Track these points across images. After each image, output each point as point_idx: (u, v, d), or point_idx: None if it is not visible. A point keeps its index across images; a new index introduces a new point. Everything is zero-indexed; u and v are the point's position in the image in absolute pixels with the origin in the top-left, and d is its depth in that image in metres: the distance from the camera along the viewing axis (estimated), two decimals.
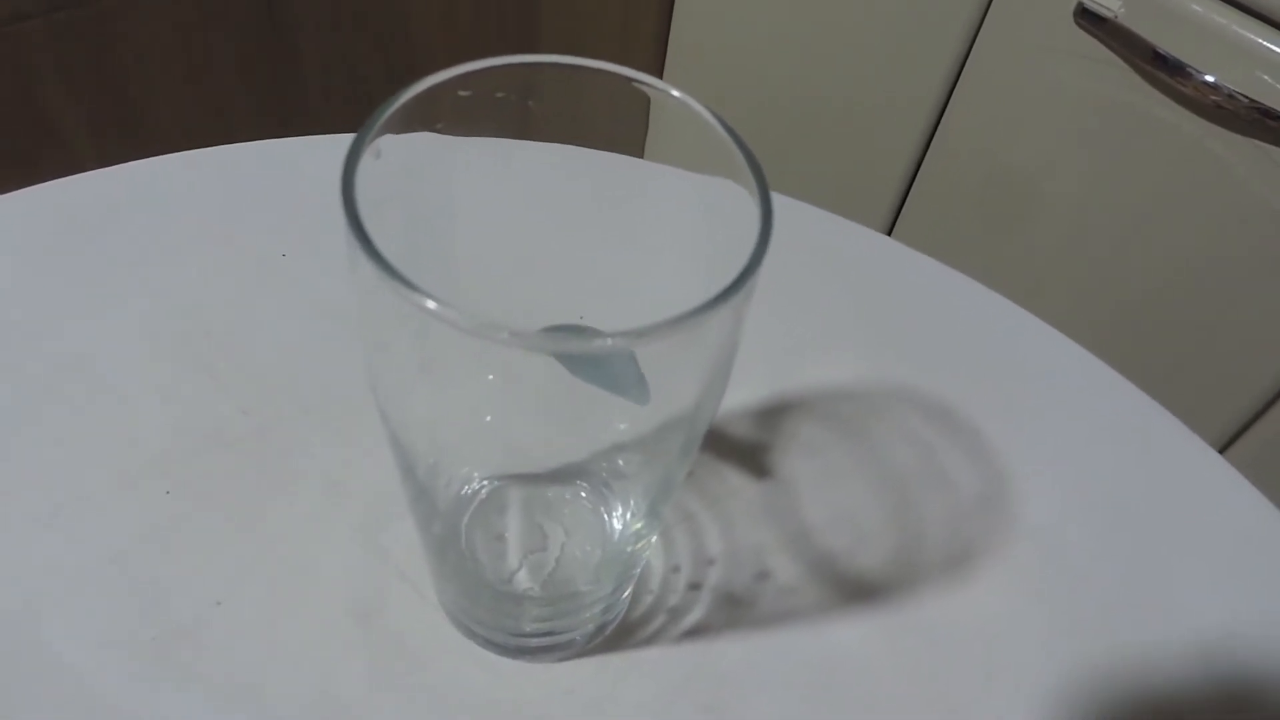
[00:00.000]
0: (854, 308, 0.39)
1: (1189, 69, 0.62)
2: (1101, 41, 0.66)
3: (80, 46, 0.66)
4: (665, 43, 0.97)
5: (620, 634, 0.29)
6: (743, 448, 0.34)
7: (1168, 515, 0.34)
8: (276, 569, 0.29)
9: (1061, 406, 0.37)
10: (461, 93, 0.21)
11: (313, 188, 0.38)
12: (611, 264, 0.25)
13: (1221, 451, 0.52)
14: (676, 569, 0.30)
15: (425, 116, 0.20)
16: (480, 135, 0.22)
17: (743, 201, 0.20)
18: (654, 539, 0.29)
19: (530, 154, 0.23)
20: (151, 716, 0.26)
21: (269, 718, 0.26)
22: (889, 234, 0.82)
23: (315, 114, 0.81)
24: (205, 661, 0.27)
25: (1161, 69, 0.63)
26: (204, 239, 0.37)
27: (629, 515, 0.27)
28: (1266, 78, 0.60)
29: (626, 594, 0.29)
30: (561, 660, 0.28)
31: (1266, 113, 0.60)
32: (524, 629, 0.27)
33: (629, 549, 0.27)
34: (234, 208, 0.38)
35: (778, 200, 0.20)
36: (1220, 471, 0.35)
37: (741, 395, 0.35)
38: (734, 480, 0.33)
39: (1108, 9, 0.64)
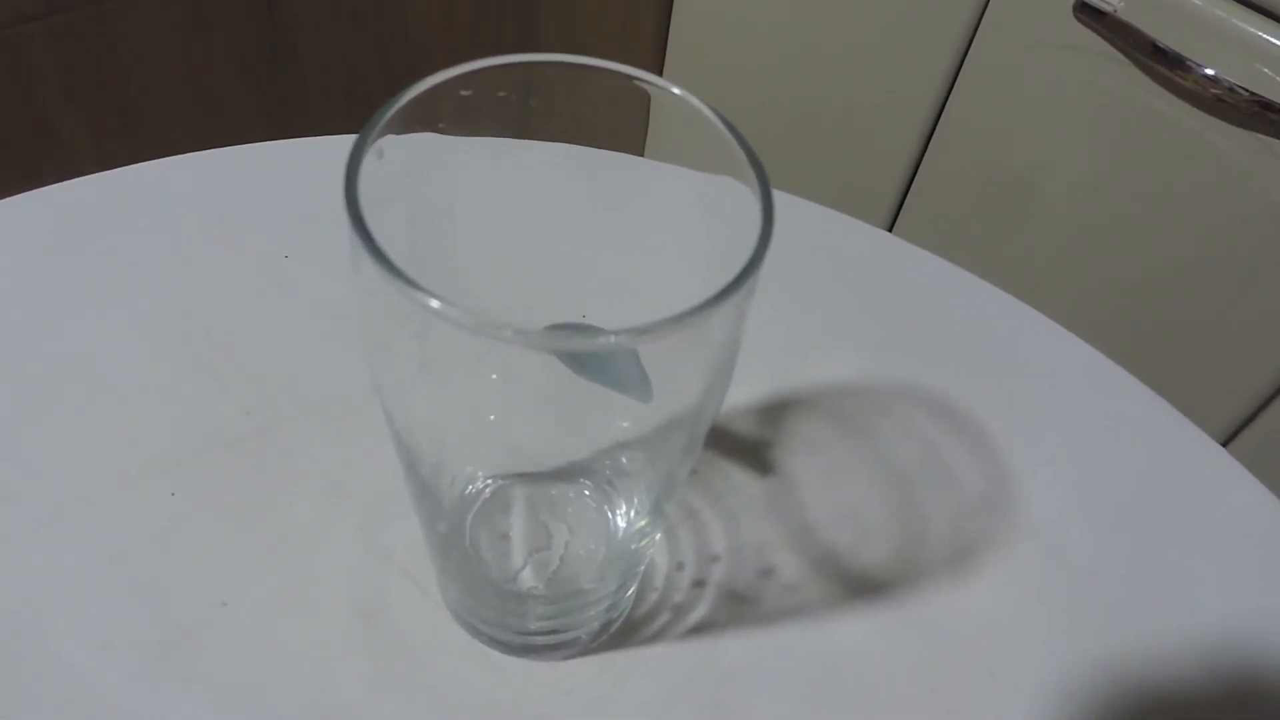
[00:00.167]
0: (856, 304, 0.39)
1: (1189, 62, 0.62)
2: (1101, 35, 0.66)
3: (80, 48, 0.66)
4: (665, 43, 0.97)
5: (625, 632, 0.29)
6: (746, 445, 0.34)
7: (1173, 511, 0.34)
8: (279, 569, 0.29)
9: (1065, 402, 0.37)
10: (463, 92, 0.21)
11: (315, 189, 0.38)
12: (613, 262, 0.25)
13: (1225, 445, 0.52)
14: (680, 566, 0.30)
15: (427, 116, 0.20)
16: (481, 135, 0.22)
17: (744, 199, 0.20)
18: (658, 537, 0.29)
19: (531, 153, 0.23)
20: (154, 717, 0.26)
21: (272, 718, 0.26)
22: (890, 231, 0.81)
23: (315, 114, 0.81)
24: (207, 662, 0.27)
25: (1161, 62, 0.63)
26: (206, 240, 0.37)
27: (633, 513, 0.27)
28: (1267, 70, 0.60)
29: (631, 592, 0.29)
30: (566, 658, 0.28)
31: (1267, 105, 0.60)
32: (529, 627, 0.27)
33: (633, 547, 0.27)
34: (236, 209, 0.38)
35: (779, 197, 0.20)
36: (1225, 466, 0.35)
37: (744, 392, 0.35)
38: (737, 477, 0.33)
39: (1107, 3, 0.64)
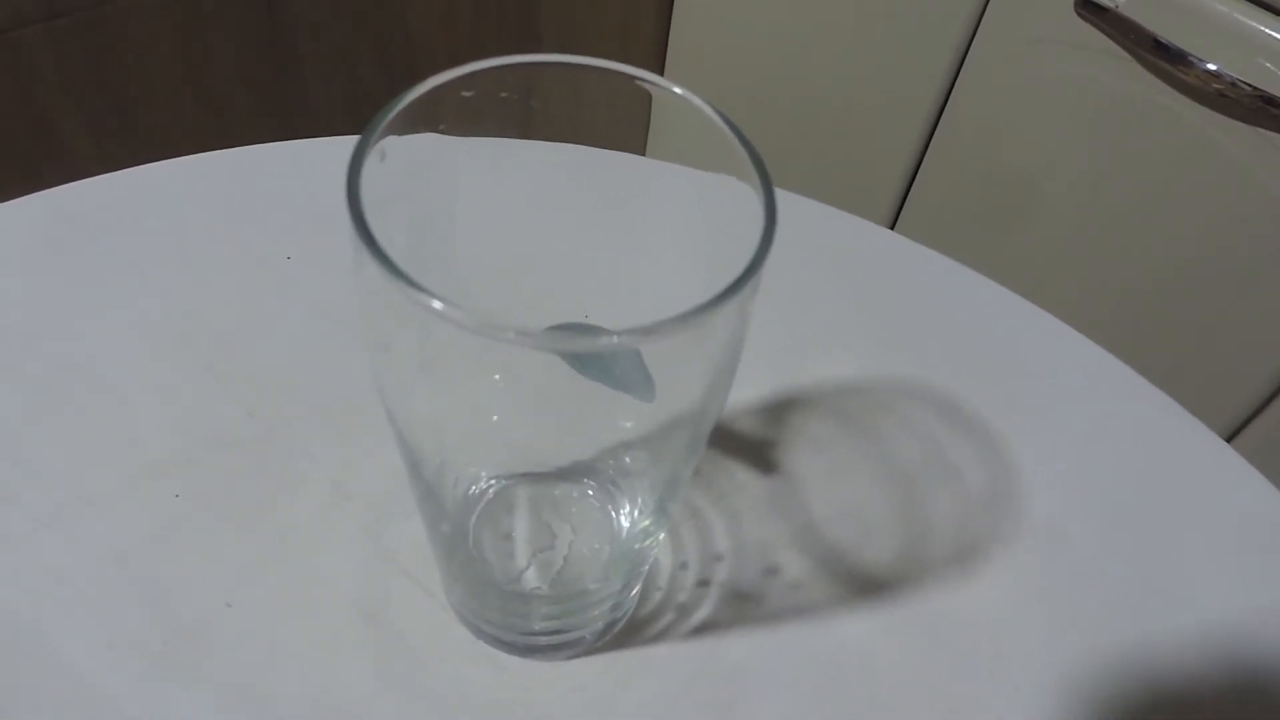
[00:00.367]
0: (859, 303, 0.39)
1: (1191, 58, 0.62)
2: (1103, 32, 0.66)
3: (80, 49, 0.66)
4: (665, 43, 0.97)
5: (629, 631, 0.29)
6: (749, 444, 0.34)
7: (1177, 508, 0.34)
8: (281, 570, 0.29)
9: (1068, 399, 0.37)
10: (464, 93, 0.21)
11: (317, 190, 0.38)
12: (615, 262, 0.25)
13: (1229, 441, 0.52)
14: (684, 566, 0.30)
15: (428, 117, 0.20)
16: (483, 135, 0.22)
17: (746, 197, 0.20)
18: (661, 536, 0.29)
19: (533, 153, 0.23)
20: (156, 718, 0.26)
21: (275, 718, 0.26)
22: (892, 229, 0.81)
23: (315, 114, 0.81)
24: (210, 663, 0.27)
25: (1163, 58, 0.63)
26: (208, 242, 0.37)
27: (636, 513, 0.27)
28: (1268, 65, 0.60)
29: (635, 591, 0.29)
30: (570, 658, 0.28)
31: (1269, 100, 0.60)
32: (533, 627, 0.27)
33: (637, 546, 0.27)
34: (237, 210, 0.38)
35: (781, 196, 0.20)
36: (1229, 463, 0.35)
37: (747, 392, 0.35)
38: (741, 476, 0.33)
39: None
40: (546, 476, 0.29)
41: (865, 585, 0.31)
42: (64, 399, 0.31)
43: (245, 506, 0.30)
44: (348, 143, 0.19)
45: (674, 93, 0.21)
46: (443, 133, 0.21)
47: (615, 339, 0.17)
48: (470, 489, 0.28)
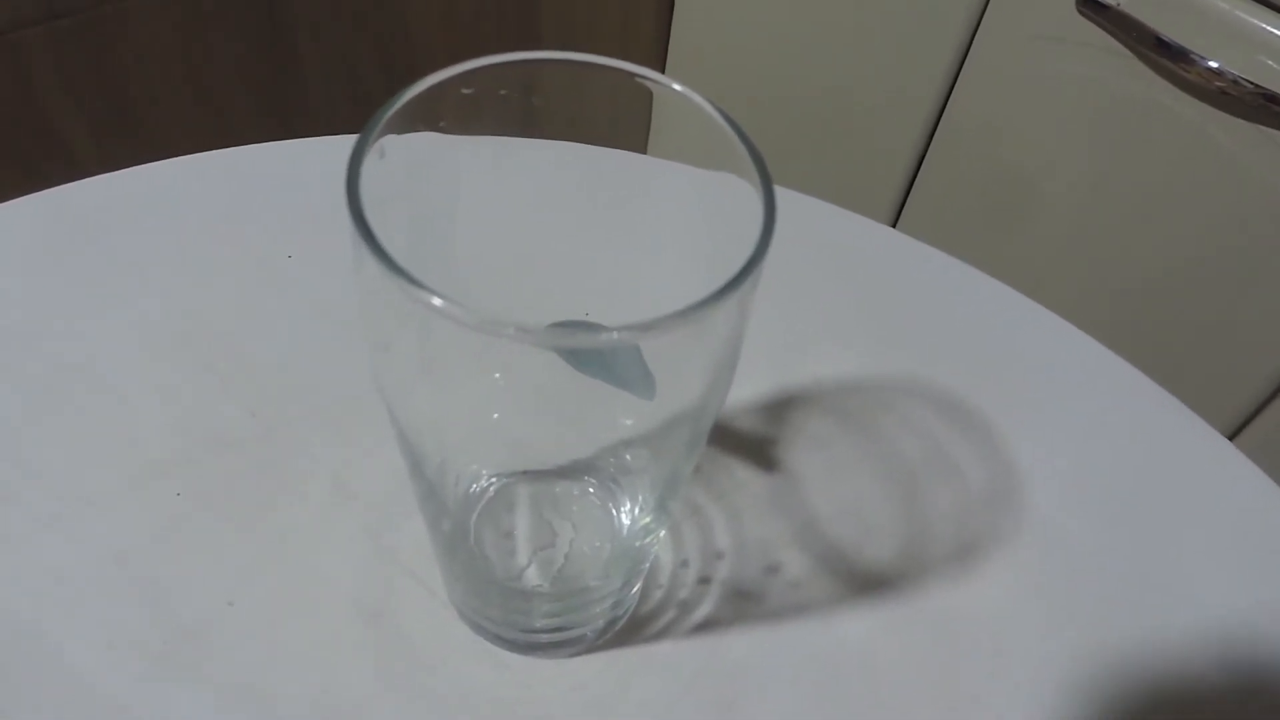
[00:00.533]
0: (859, 300, 0.39)
1: (1192, 55, 0.62)
2: (1104, 29, 0.66)
3: (80, 49, 0.66)
4: (666, 42, 0.96)
5: (630, 629, 0.29)
6: (749, 441, 0.34)
7: (1177, 504, 0.34)
8: (282, 569, 0.29)
9: (1069, 396, 0.37)
10: (464, 91, 0.21)
11: (316, 188, 0.38)
12: (615, 260, 0.25)
13: (1231, 438, 0.52)
14: (685, 563, 0.30)
15: (428, 115, 0.20)
16: (483, 133, 0.22)
17: (746, 195, 0.20)
18: (662, 534, 0.29)
19: (533, 151, 0.23)
20: (156, 718, 0.26)
21: (276, 718, 0.26)
22: (893, 228, 0.81)
23: (315, 114, 0.81)
24: (211, 662, 0.27)
25: (1165, 56, 0.63)
26: (208, 241, 0.37)
27: (637, 510, 0.27)
28: (1270, 62, 0.60)
29: (636, 589, 0.29)
30: (572, 656, 0.28)
31: (1271, 98, 0.60)
32: (534, 625, 0.27)
33: (637, 544, 0.27)
34: (238, 210, 0.38)
35: (781, 193, 0.20)
36: (1229, 459, 0.35)
37: (747, 389, 0.35)
38: (741, 474, 0.33)
39: None
40: (547, 474, 0.29)
41: (865, 583, 0.30)
42: (64, 399, 0.31)
43: (246, 506, 0.30)
44: (348, 142, 0.19)
45: (675, 90, 0.21)
46: (443, 131, 0.21)
47: (615, 336, 0.17)
48: (471, 487, 0.28)
